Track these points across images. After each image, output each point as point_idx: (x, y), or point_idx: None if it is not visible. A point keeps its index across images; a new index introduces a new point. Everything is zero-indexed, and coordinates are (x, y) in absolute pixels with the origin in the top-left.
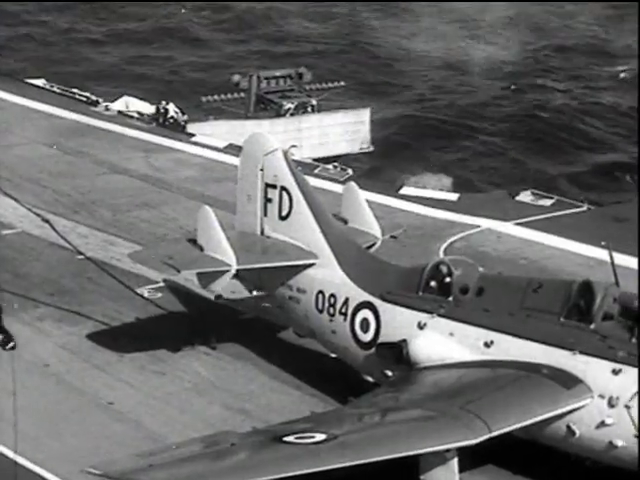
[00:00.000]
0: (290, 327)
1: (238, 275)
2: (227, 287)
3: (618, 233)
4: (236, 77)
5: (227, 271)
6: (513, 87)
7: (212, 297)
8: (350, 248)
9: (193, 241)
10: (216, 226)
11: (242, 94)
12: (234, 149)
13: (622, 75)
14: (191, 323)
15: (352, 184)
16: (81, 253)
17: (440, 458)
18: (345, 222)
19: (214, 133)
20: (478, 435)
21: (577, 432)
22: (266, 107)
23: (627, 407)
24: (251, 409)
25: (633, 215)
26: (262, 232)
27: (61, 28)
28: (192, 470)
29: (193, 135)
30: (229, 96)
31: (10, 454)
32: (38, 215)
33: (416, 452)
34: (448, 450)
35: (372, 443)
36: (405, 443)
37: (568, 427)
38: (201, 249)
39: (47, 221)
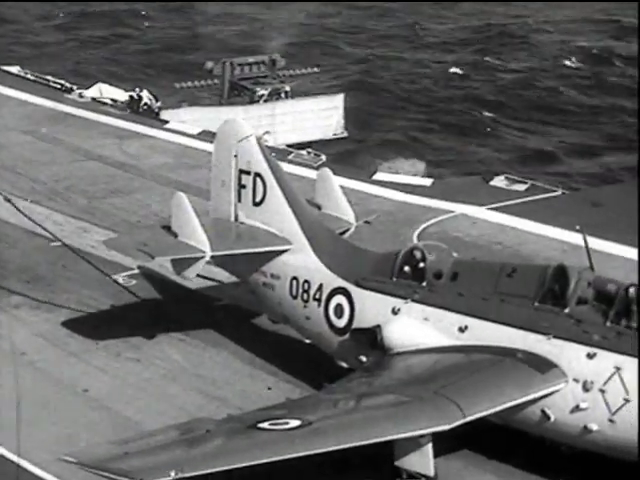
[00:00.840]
0: (264, 313)
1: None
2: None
3: (593, 217)
4: (209, 64)
5: (201, 257)
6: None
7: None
8: (324, 234)
9: (167, 228)
10: (190, 212)
11: (215, 81)
12: (208, 135)
13: None
14: (165, 310)
15: (326, 170)
16: (53, 235)
17: (415, 443)
18: (319, 208)
19: (188, 120)
20: (452, 420)
21: (552, 417)
22: (240, 93)
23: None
24: (226, 396)
25: (608, 199)
26: (236, 218)
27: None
28: (167, 457)
29: (167, 122)
30: (202, 83)
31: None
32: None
33: (391, 438)
34: (423, 435)
35: (346, 429)
36: (379, 429)
37: (543, 412)
38: (175, 236)
39: (9, 200)
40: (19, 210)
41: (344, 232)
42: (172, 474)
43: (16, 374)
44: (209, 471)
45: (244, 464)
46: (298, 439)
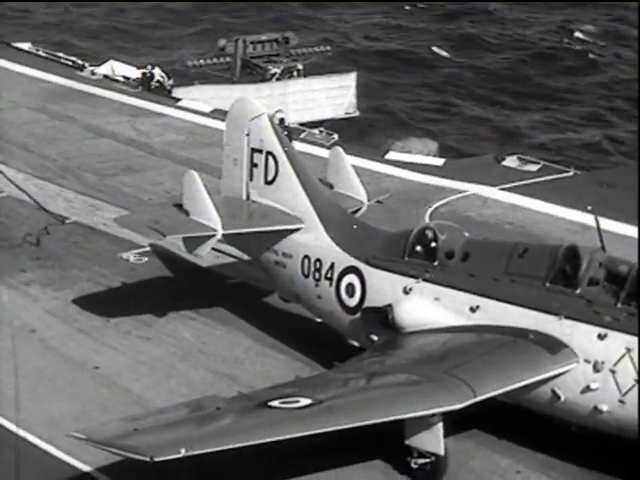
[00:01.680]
0: (276, 292)
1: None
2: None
3: (605, 198)
4: (222, 42)
5: (213, 236)
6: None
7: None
8: (336, 213)
9: (179, 206)
10: (202, 191)
11: (228, 59)
12: (220, 114)
13: None
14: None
15: (338, 149)
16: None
17: (425, 423)
18: (331, 187)
19: (200, 98)
20: (463, 400)
21: (562, 397)
22: (252, 72)
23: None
24: (236, 374)
25: (619, 180)
26: (248, 197)
27: None
28: (177, 434)
29: (179, 100)
30: (215, 61)
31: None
32: None
33: (401, 417)
34: (433, 415)
35: (357, 408)
36: (390, 408)
37: (553, 392)
38: (187, 214)
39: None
40: (10, 180)
41: (356, 211)
42: (182, 451)
43: (14, 347)
44: (219, 449)
45: (254, 442)
46: (308, 418)
